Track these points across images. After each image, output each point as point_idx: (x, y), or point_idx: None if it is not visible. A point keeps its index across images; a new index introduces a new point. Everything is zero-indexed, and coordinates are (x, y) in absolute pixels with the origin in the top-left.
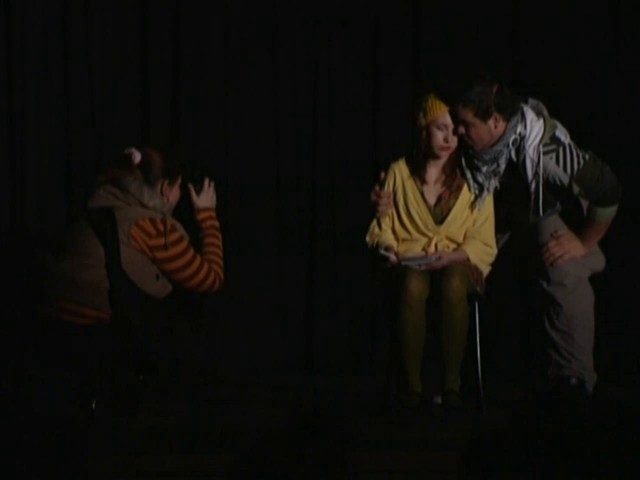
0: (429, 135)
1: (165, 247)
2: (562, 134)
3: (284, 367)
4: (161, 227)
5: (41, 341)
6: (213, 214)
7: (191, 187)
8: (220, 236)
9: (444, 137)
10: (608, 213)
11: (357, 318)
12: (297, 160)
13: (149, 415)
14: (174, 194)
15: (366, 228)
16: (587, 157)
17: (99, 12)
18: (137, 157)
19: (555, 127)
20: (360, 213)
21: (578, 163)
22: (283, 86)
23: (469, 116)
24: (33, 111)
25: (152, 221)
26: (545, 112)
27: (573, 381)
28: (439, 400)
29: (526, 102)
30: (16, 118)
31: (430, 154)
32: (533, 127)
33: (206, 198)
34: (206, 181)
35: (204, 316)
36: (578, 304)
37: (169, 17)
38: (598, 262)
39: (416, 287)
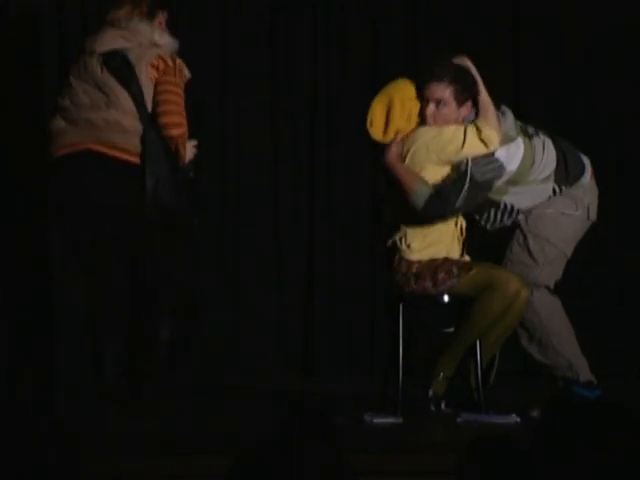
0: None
1: (168, 80)
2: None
3: (283, 367)
4: (171, 63)
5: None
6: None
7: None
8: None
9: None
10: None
11: (357, 318)
12: (295, 159)
13: (149, 415)
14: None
15: (366, 225)
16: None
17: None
18: None
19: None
20: (359, 211)
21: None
22: (282, 86)
23: (446, 93)
24: None
25: (162, 59)
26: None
27: (560, 383)
28: (444, 406)
29: (497, 108)
30: None
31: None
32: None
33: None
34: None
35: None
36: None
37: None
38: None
39: (524, 288)
